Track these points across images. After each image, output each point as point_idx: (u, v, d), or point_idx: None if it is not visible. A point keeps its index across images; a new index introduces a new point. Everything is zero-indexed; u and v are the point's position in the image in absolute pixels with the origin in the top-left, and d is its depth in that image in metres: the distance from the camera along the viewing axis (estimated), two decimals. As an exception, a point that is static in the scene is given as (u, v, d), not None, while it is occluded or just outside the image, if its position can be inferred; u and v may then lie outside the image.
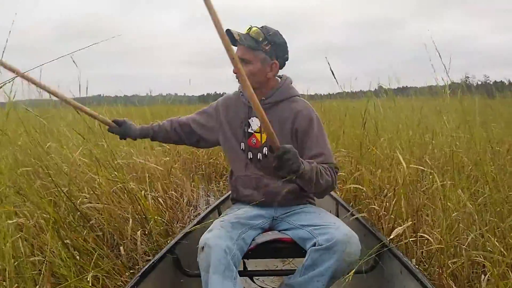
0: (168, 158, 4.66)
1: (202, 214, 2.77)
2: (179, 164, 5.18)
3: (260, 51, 2.01)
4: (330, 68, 3.08)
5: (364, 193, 3.23)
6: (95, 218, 2.70)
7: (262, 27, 2.03)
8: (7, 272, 1.61)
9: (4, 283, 1.60)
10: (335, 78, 3.20)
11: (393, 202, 2.79)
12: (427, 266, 2.36)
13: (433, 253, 2.36)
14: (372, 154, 3.45)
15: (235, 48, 2.07)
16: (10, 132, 2.72)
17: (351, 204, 3.24)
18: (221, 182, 5.60)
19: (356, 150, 3.80)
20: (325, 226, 1.88)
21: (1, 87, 1.90)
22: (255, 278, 2.53)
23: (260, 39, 2.00)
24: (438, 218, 2.49)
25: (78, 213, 2.51)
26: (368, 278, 2.22)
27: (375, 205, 2.92)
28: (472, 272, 2.21)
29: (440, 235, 2.32)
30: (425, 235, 2.39)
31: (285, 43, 2.09)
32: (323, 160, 1.99)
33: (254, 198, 2.10)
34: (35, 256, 2.01)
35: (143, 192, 3.26)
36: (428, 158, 3.17)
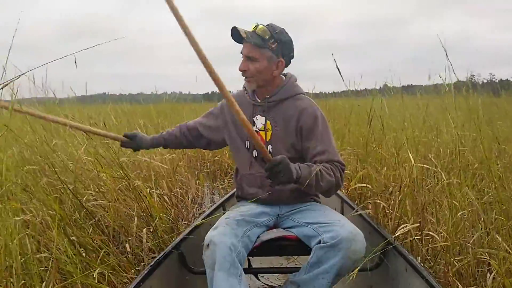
0: (173, 156, 4.66)
1: (207, 212, 2.78)
2: (184, 162, 5.18)
3: (266, 49, 2.01)
4: (337, 65, 3.06)
5: (369, 191, 3.23)
6: (101, 216, 2.71)
7: (268, 25, 2.04)
8: (14, 268, 1.62)
9: (11, 279, 1.61)
10: (341, 76, 3.19)
11: (398, 200, 2.79)
12: (432, 264, 2.35)
13: (439, 251, 2.36)
14: (378, 152, 3.45)
15: (241, 46, 2.08)
16: (16, 130, 2.73)
17: (356, 202, 3.24)
18: (225, 180, 5.61)
19: (361, 148, 3.80)
20: (330, 224, 1.88)
21: (6, 85, 1.91)
22: (259, 275, 2.54)
23: (267, 37, 2.00)
24: (443, 216, 2.49)
25: (84, 210, 2.52)
26: (373, 276, 2.22)
27: (380, 203, 2.92)
28: (478, 270, 2.20)
29: (446, 233, 2.32)
30: (431, 233, 2.39)
31: (291, 41, 2.09)
32: (327, 158, 1.99)
33: (259, 196, 2.10)
34: (41, 253, 2.03)
35: (148, 189, 3.27)
36: (434, 156, 3.16)
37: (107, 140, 3.45)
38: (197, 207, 4.24)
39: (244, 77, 2.09)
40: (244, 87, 2.22)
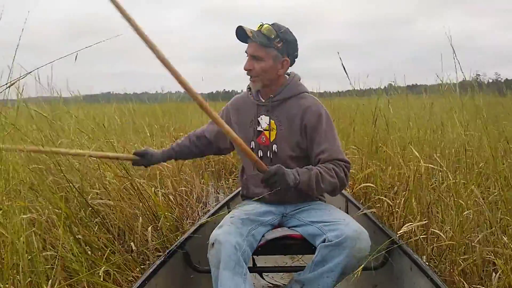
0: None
1: (212, 211, 2.78)
2: (188, 161, 5.19)
3: (272, 48, 2.02)
4: (342, 64, 3.07)
5: (374, 190, 3.22)
6: (106, 214, 2.72)
7: (273, 24, 2.04)
8: (20, 266, 1.62)
9: (18, 276, 1.62)
10: (347, 74, 3.20)
11: (403, 199, 2.78)
12: (437, 263, 2.35)
13: (444, 250, 2.35)
14: (383, 151, 3.44)
15: (245, 45, 2.09)
16: (22, 129, 2.74)
17: (361, 201, 3.24)
18: (230, 179, 5.61)
19: (366, 148, 3.79)
20: (335, 223, 1.88)
21: (13, 83, 1.92)
22: (264, 274, 2.54)
23: (272, 36, 2.01)
24: (449, 216, 2.48)
25: (90, 209, 2.53)
26: (378, 275, 2.22)
27: (385, 201, 2.91)
28: (483, 270, 2.20)
29: (452, 232, 2.31)
30: (436, 231, 2.38)
31: (296, 40, 2.09)
32: (331, 156, 1.99)
33: (265, 196, 2.11)
34: (47, 251, 2.04)
35: (153, 188, 3.28)
36: (439, 155, 3.16)
37: (111, 140, 3.47)
38: (201, 206, 4.25)
39: (249, 77, 2.10)
40: (248, 87, 2.22)
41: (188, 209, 3.93)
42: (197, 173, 4.95)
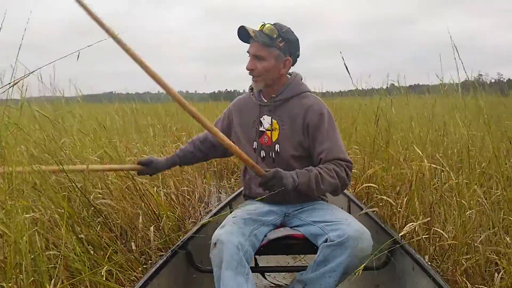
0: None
1: (214, 210, 2.79)
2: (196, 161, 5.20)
3: (274, 47, 2.03)
4: (345, 64, 3.08)
5: (376, 190, 3.22)
6: (108, 214, 2.73)
7: (274, 24, 2.05)
8: (23, 266, 1.63)
9: (20, 276, 1.62)
10: (349, 74, 3.20)
11: (405, 199, 2.78)
12: (439, 263, 2.35)
13: (446, 250, 2.35)
14: (385, 151, 3.44)
15: (247, 45, 2.09)
16: (25, 128, 2.75)
17: (363, 201, 3.24)
18: (232, 178, 5.61)
19: (368, 147, 3.79)
20: (337, 222, 1.88)
21: (16, 83, 1.92)
22: (266, 274, 2.54)
23: (275, 35, 2.01)
24: (451, 215, 2.48)
25: (92, 208, 2.54)
26: (380, 275, 2.22)
27: (387, 201, 2.91)
28: (485, 270, 2.20)
29: (454, 232, 2.31)
30: (439, 230, 2.38)
31: (297, 40, 2.10)
32: (332, 156, 1.99)
33: (267, 196, 2.11)
34: (50, 251, 2.04)
35: (155, 188, 3.28)
36: (441, 155, 3.16)
37: (114, 139, 3.48)
38: (204, 206, 4.25)
39: (251, 77, 2.10)
40: (250, 88, 2.23)
41: (190, 208, 3.94)
42: (199, 173, 4.95)
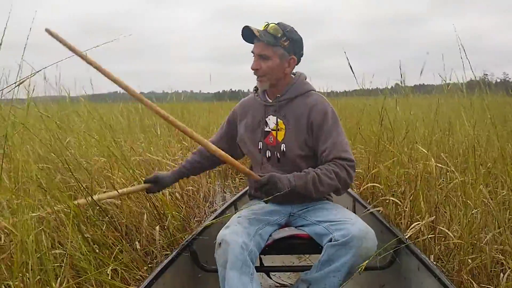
0: (183, 151, 4.69)
1: (219, 210, 2.79)
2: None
3: (278, 47, 2.03)
4: (349, 64, 3.08)
5: (381, 190, 3.22)
6: (114, 213, 2.74)
7: (278, 23, 2.05)
8: (30, 264, 1.63)
9: (27, 274, 1.63)
10: (353, 74, 3.20)
11: (410, 198, 2.78)
12: (445, 263, 2.34)
13: (452, 249, 2.34)
14: (390, 150, 3.43)
15: (251, 45, 2.10)
16: (31, 128, 2.76)
17: (368, 201, 3.24)
18: (236, 178, 5.61)
19: (373, 147, 3.78)
20: (342, 222, 1.88)
21: (21, 82, 1.93)
22: (271, 274, 2.54)
23: (279, 35, 2.02)
24: (456, 216, 2.47)
25: (98, 207, 2.55)
26: (385, 274, 2.22)
27: (392, 201, 2.91)
28: (490, 270, 2.19)
29: (460, 231, 2.30)
30: (444, 229, 2.37)
31: (301, 39, 2.11)
32: (334, 155, 2.00)
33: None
34: (56, 249, 2.05)
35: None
36: (447, 155, 3.15)
37: (119, 139, 3.49)
38: (208, 205, 4.26)
39: (256, 77, 2.11)
40: (254, 89, 2.24)
41: (195, 208, 3.95)
42: (204, 173, 4.95)
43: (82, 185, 2.48)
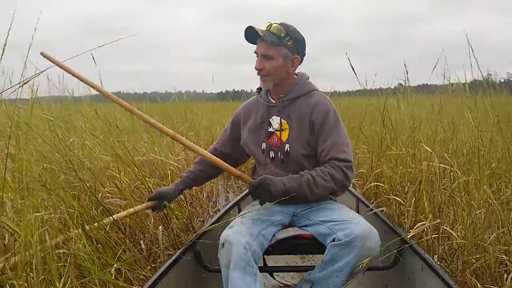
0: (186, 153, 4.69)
1: (223, 210, 2.79)
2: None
3: (282, 46, 2.04)
4: (351, 64, 3.07)
5: (384, 190, 3.22)
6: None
7: (281, 23, 2.06)
8: (34, 264, 1.64)
9: (31, 274, 1.63)
10: (355, 74, 3.19)
11: (414, 199, 2.77)
12: (449, 263, 2.34)
13: (456, 249, 2.34)
14: (393, 150, 3.43)
15: (252, 46, 2.10)
16: (35, 128, 2.77)
17: (372, 201, 3.23)
18: (239, 178, 5.60)
19: (376, 147, 3.78)
20: (345, 222, 1.88)
21: (26, 82, 1.93)
22: (275, 274, 2.54)
23: (282, 35, 2.03)
24: (460, 215, 2.47)
25: (101, 207, 2.55)
26: (389, 275, 2.22)
27: (396, 201, 2.90)
28: (494, 271, 2.18)
29: (464, 231, 2.30)
30: (448, 229, 2.37)
31: (304, 39, 2.12)
32: (331, 155, 2.00)
33: None
34: (60, 249, 2.05)
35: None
36: (450, 155, 3.14)
37: (123, 139, 3.50)
38: (211, 205, 4.26)
39: (260, 76, 2.11)
40: (257, 90, 2.24)
41: (198, 208, 3.95)
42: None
43: (86, 185, 2.49)
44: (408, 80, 3.52)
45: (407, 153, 3.26)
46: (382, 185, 3.19)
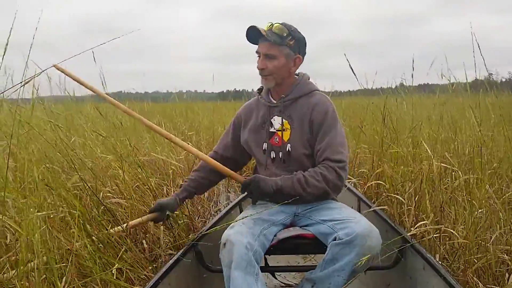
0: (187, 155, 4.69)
1: (224, 210, 2.79)
2: (199, 160, 5.19)
3: (284, 46, 2.05)
4: (350, 65, 3.07)
5: (386, 190, 3.21)
6: (119, 213, 2.74)
7: (282, 23, 2.06)
8: (35, 264, 1.64)
9: (32, 273, 1.63)
10: (354, 74, 3.19)
11: (415, 198, 2.77)
12: (450, 262, 2.34)
13: (457, 249, 2.33)
14: (394, 150, 3.43)
15: (253, 46, 2.11)
16: (37, 128, 2.77)
17: (373, 201, 3.23)
18: (241, 178, 5.59)
19: (377, 147, 3.78)
20: (346, 220, 1.88)
21: (27, 82, 1.93)
22: (276, 274, 2.54)
23: (285, 34, 2.03)
24: (462, 215, 2.46)
25: (102, 207, 2.55)
26: (391, 274, 2.22)
27: (397, 200, 2.90)
28: (496, 270, 2.18)
29: (466, 231, 2.30)
30: (449, 229, 2.37)
31: (305, 38, 2.13)
32: (325, 155, 2.02)
33: None
34: (61, 249, 2.05)
35: (165, 188, 3.29)
36: (451, 154, 3.13)
37: (124, 138, 3.50)
38: (213, 205, 4.26)
39: (262, 76, 2.11)
40: (258, 90, 2.24)
41: (199, 207, 3.94)
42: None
43: (87, 184, 2.49)
44: (412, 77, 3.51)
45: (408, 152, 3.25)
46: (383, 183, 3.18)
